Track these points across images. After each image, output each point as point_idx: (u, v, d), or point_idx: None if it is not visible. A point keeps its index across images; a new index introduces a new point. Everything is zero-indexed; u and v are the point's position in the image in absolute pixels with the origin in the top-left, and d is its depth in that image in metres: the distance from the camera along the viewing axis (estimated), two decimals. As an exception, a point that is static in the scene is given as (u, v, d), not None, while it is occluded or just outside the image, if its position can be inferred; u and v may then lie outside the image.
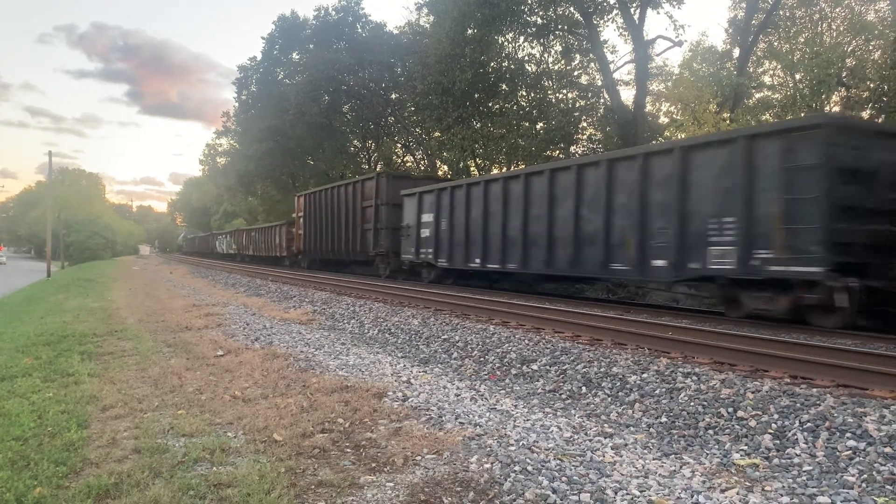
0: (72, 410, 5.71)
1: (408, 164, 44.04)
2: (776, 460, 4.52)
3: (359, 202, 23.23)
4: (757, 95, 27.30)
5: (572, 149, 27.89)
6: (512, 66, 28.47)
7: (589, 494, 3.80)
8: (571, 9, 26.10)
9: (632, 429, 5.44)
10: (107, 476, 4.05)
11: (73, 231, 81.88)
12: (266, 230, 39.25)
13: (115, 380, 7.06)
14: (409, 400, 6.05)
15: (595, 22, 25.73)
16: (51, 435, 4.97)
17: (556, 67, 29.97)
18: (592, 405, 6.17)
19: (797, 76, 25.58)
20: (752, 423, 5.09)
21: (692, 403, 5.67)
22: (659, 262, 10.77)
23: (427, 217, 18.35)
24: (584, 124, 29.38)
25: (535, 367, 7.51)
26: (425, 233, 18.41)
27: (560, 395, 6.61)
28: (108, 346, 9.61)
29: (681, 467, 4.43)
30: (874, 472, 4.10)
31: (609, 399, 6.26)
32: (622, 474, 4.20)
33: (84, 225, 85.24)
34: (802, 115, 20.27)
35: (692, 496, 3.86)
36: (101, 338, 10.42)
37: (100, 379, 7.12)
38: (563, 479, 4.04)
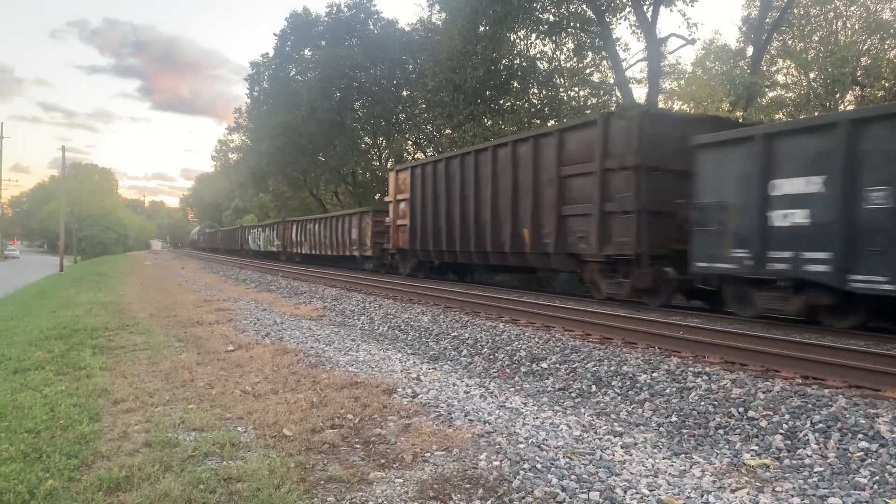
0: (83, 404, 5.75)
1: (418, 162, 43.99)
2: (787, 461, 4.50)
3: (550, 169, 13.43)
4: (770, 94, 27.12)
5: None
6: (524, 64, 28.37)
7: (598, 493, 3.79)
8: (584, 6, 25.98)
9: (642, 428, 5.42)
10: (118, 469, 4.08)
11: (86, 226, 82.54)
12: (334, 221, 29.10)
13: (126, 374, 7.10)
14: (419, 397, 6.05)
15: (608, 20, 25.60)
16: (63, 428, 5.01)
17: (568, 65, 29.86)
18: (602, 404, 6.16)
19: (811, 75, 25.43)
20: (763, 423, 5.07)
21: (703, 403, 5.65)
22: None
23: (799, 184, 9.02)
24: (596, 122, 29.21)
25: (544, 365, 7.50)
26: (794, 217, 9.05)
27: (570, 393, 6.60)
28: (119, 340, 9.68)
29: (691, 467, 4.42)
30: (886, 474, 4.07)
31: (619, 398, 6.24)
32: (632, 473, 4.19)
33: (96, 220, 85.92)
34: (816, 114, 20.12)
35: (702, 496, 3.85)
36: (112, 332, 10.49)
37: (111, 373, 7.16)
38: (573, 477, 4.03)
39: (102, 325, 11.28)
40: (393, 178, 21.56)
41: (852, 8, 26.44)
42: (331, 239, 29.15)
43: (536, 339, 8.49)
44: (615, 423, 5.51)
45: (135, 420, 5.30)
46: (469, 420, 5.26)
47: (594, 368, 7.03)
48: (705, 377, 6.19)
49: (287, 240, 37.24)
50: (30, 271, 44.65)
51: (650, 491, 3.89)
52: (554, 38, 28.33)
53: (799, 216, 9.07)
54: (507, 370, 7.67)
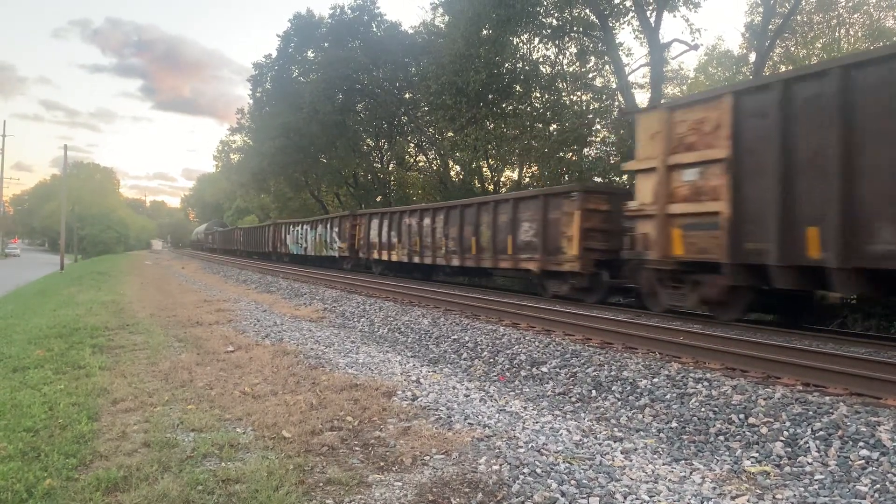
0: (82, 403, 5.73)
1: (420, 164, 44.08)
2: (787, 468, 4.48)
3: None
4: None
5: (585, 151, 27.80)
6: (526, 68, 28.38)
7: (598, 498, 3.78)
8: (587, 11, 26.00)
9: (642, 433, 5.41)
10: (116, 469, 4.07)
11: (87, 225, 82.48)
12: (472, 211, 17.82)
13: (125, 373, 7.09)
14: (419, 399, 6.04)
15: (611, 24, 25.61)
16: (61, 427, 5.00)
17: (571, 69, 29.87)
18: (602, 409, 6.14)
19: (814, 81, 25.33)
20: (764, 430, 5.05)
21: (703, 409, 5.63)
22: None
23: None
24: (598, 126, 29.24)
25: (544, 369, 7.49)
26: None
27: (570, 397, 6.59)
28: (119, 339, 9.66)
29: (691, 473, 4.40)
30: (887, 483, 4.05)
31: (619, 403, 6.23)
32: (632, 479, 4.18)
33: (98, 219, 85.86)
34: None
35: (702, 502, 3.83)
36: (112, 331, 10.48)
37: (111, 372, 7.15)
38: (573, 482, 4.01)
39: (102, 324, 11.27)
40: (662, 121, 10.69)
41: (855, 15, 26.45)
42: (461, 241, 18.13)
43: (537, 343, 8.47)
44: (615, 429, 5.50)
45: (134, 420, 5.29)
46: (469, 424, 5.25)
47: (594, 373, 7.01)
48: (706, 383, 6.17)
49: (360, 241, 26.31)
50: (30, 270, 44.62)
51: (650, 497, 3.87)
52: (557, 42, 28.36)
53: None
54: (507, 374, 7.66)
